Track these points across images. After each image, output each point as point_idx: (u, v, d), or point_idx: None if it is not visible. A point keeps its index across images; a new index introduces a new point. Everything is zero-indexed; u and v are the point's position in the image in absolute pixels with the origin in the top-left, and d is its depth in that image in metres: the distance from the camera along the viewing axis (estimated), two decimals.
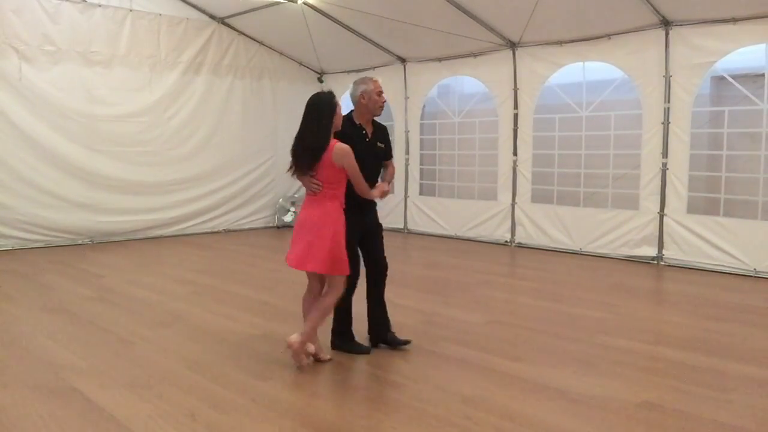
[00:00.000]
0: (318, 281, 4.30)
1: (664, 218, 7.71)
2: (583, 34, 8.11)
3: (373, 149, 4.48)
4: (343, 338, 4.56)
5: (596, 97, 8.32)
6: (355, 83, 4.43)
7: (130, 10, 9.34)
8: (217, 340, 4.77)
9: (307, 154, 4.06)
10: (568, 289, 6.55)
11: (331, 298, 4.17)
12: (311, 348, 4.25)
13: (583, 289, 6.63)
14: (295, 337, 4.08)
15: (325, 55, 10.81)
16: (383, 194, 4.38)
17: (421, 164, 10.60)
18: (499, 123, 9.34)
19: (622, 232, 8.11)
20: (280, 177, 10.87)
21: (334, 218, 4.09)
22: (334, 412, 3.56)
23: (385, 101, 4.51)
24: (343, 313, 4.52)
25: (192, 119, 10.18)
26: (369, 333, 4.66)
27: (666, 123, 7.60)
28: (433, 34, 8.79)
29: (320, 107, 4.07)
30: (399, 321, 5.19)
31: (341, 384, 4.07)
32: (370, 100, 4.35)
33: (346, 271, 4.14)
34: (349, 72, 11.22)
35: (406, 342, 4.60)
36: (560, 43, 8.43)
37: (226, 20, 10.31)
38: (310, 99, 4.13)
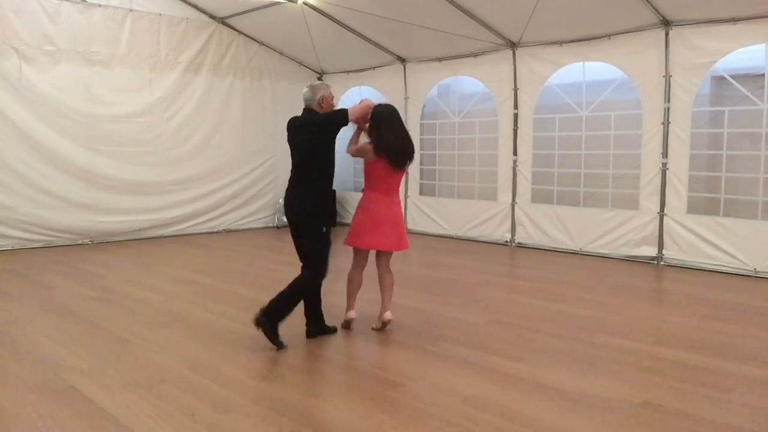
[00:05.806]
0: (366, 259, 5.08)
1: (664, 218, 7.71)
2: (583, 34, 8.11)
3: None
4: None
5: (596, 97, 8.32)
6: (314, 87, 4.77)
7: (130, 10, 9.34)
8: (217, 340, 4.77)
9: (411, 154, 5.12)
10: (568, 289, 6.55)
11: None
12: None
13: (583, 289, 6.63)
14: (389, 314, 4.93)
15: (325, 55, 10.81)
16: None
17: (421, 164, 10.59)
18: (499, 123, 9.34)
19: (622, 232, 8.11)
20: (280, 177, 10.88)
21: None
22: (334, 412, 3.56)
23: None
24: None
25: (192, 119, 10.18)
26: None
27: (666, 123, 7.60)
28: (433, 34, 8.79)
29: (398, 115, 5.02)
30: (399, 321, 5.21)
31: (341, 384, 4.07)
32: (328, 105, 4.75)
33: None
34: (348, 72, 11.23)
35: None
36: (560, 43, 8.43)
37: (226, 20, 10.31)
38: (392, 108, 4.99)
